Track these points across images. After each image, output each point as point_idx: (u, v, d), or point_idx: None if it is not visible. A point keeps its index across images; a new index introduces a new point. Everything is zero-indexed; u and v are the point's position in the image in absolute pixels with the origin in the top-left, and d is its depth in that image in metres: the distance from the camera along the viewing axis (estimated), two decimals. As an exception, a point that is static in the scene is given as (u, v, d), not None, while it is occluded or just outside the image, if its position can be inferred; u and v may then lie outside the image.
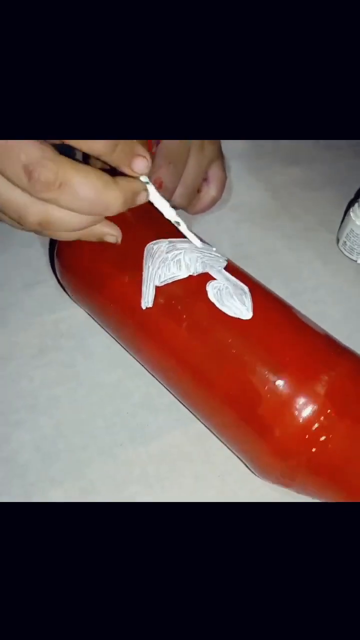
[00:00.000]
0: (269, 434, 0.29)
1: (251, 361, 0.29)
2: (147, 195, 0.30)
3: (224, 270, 0.32)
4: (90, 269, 0.35)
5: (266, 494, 0.31)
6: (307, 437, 0.28)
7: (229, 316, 0.30)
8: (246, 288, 0.31)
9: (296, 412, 0.28)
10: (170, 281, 0.31)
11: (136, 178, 0.29)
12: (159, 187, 0.38)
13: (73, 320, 0.40)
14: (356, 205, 0.44)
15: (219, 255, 0.33)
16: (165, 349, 0.33)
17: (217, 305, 0.30)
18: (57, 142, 0.27)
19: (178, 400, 0.36)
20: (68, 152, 0.27)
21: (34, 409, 0.36)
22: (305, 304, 0.42)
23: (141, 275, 0.32)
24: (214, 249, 0.33)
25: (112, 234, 0.31)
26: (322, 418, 0.28)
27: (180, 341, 0.32)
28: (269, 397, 0.28)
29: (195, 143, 0.40)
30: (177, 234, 0.33)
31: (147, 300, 0.32)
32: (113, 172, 0.28)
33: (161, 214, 0.32)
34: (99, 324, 0.39)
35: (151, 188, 0.30)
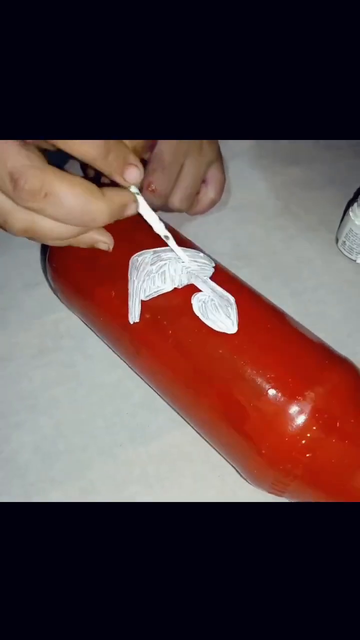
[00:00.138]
0: (255, 450, 0.29)
1: (236, 378, 0.29)
2: (137, 207, 0.30)
3: (209, 281, 0.31)
4: (80, 279, 0.35)
5: (266, 494, 0.31)
6: (293, 454, 0.28)
7: (215, 331, 0.30)
8: (232, 299, 0.31)
9: (281, 430, 0.28)
10: (155, 295, 0.31)
11: (126, 189, 0.29)
12: (152, 192, 0.38)
13: (73, 320, 0.40)
14: (355, 205, 0.43)
15: (207, 261, 0.33)
16: (154, 364, 0.33)
17: (202, 319, 0.30)
18: (51, 148, 0.27)
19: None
20: (62, 162, 0.27)
21: (34, 410, 0.37)
22: (305, 303, 0.43)
23: (128, 288, 0.32)
24: (201, 254, 0.33)
25: (103, 241, 0.31)
26: (308, 435, 0.27)
27: (167, 357, 0.31)
28: (255, 415, 0.28)
29: (193, 146, 0.40)
30: (162, 242, 0.32)
31: (134, 315, 0.32)
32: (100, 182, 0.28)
33: (150, 227, 0.31)
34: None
35: (141, 200, 0.30)
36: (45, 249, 0.44)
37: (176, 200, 0.41)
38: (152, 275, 0.31)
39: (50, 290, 0.41)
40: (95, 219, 0.27)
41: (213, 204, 0.43)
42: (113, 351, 0.38)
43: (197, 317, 0.30)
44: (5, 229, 0.28)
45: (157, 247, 0.32)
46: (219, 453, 0.34)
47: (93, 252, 0.31)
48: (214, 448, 0.34)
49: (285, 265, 0.45)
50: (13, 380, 0.38)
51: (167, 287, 0.31)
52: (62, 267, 0.36)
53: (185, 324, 0.30)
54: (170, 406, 0.35)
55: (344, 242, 0.45)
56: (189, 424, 0.35)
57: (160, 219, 0.32)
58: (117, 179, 0.28)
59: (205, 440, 0.34)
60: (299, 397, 0.28)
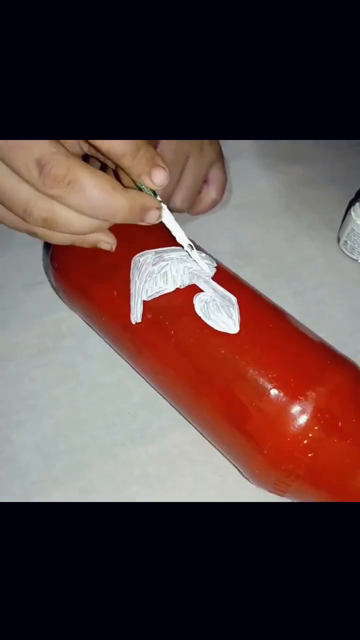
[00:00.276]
0: (257, 450, 0.29)
1: (238, 378, 0.29)
2: (160, 216, 0.30)
3: (211, 281, 0.31)
4: (82, 279, 0.35)
5: (267, 494, 0.31)
6: (295, 454, 0.28)
7: (217, 331, 0.30)
8: (234, 299, 0.31)
9: (283, 430, 0.28)
10: (157, 295, 0.31)
11: (149, 195, 0.29)
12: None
13: (73, 320, 0.40)
14: (357, 204, 0.43)
15: (208, 261, 0.33)
16: (156, 364, 0.33)
17: (204, 319, 0.30)
18: (83, 142, 0.27)
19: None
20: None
21: (35, 409, 0.36)
22: (306, 303, 0.42)
23: (130, 288, 0.32)
24: (203, 254, 0.33)
25: (106, 241, 0.31)
26: (310, 435, 0.27)
27: (169, 357, 0.31)
28: (257, 415, 0.28)
29: (194, 146, 0.40)
30: (165, 242, 0.32)
31: (136, 315, 0.32)
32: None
33: (173, 237, 0.31)
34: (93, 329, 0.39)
35: (165, 209, 0.30)
36: (46, 249, 0.44)
37: (178, 200, 0.41)
38: (154, 276, 0.31)
39: (50, 290, 0.41)
40: (116, 213, 0.27)
41: (215, 203, 0.43)
42: (114, 351, 0.38)
43: (199, 317, 0.30)
44: (24, 219, 0.28)
45: (159, 247, 0.32)
46: (220, 453, 0.34)
47: (95, 252, 0.31)
48: (215, 448, 0.34)
49: (287, 264, 0.45)
50: (13, 380, 0.38)
51: (169, 288, 0.31)
52: (64, 266, 0.36)
53: (187, 324, 0.30)
54: (172, 406, 0.35)
55: (346, 241, 0.45)
56: (190, 423, 0.34)
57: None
58: (144, 179, 0.28)
59: (207, 440, 0.34)
60: (301, 397, 0.28)
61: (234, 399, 0.29)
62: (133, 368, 0.37)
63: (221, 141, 0.43)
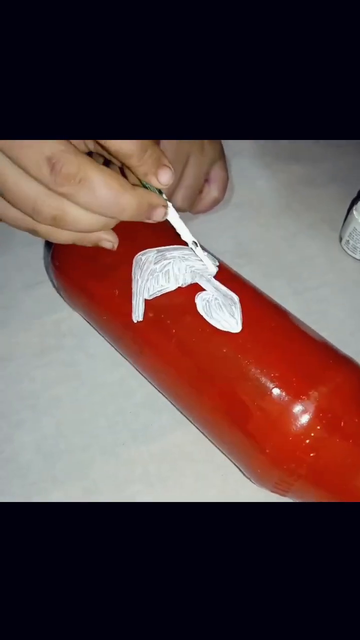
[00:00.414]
0: (259, 449, 0.28)
1: (240, 377, 0.29)
2: (166, 213, 0.30)
3: (213, 279, 0.31)
4: (83, 278, 0.35)
5: (268, 494, 0.31)
6: (297, 453, 0.28)
7: (219, 330, 0.30)
8: (236, 298, 0.31)
9: (285, 429, 0.28)
10: (159, 294, 0.31)
11: (156, 193, 0.29)
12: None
13: (74, 319, 0.40)
14: (359, 203, 0.43)
15: (210, 259, 0.33)
16: (157, 363, 0.33)
17: (206, 318, 0.30)
18: (84, 149, 0.27)
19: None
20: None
21: (36, 409, 0.36)
22: (308, 302, 0.42)
23: (131, 286, 0.32)
24: (205, 253, 0.33)
25: (108, 239, 0.31)
26: (312, 434, 0.27)
27: (170, 356, 0.31)
28: (259, 414, 0.28)
29: (195, 145, 0.40)
30: (166, 241, 0.32)
31: (138, 314, 0.32)
32: None
33: (178, 235, 0.31)
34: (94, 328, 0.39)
35: (171, 207, 0.30)
36: (47, 248, 0.44)
37: (179, 199, 0.41)
38: (155, 274, 0.31)
39: (51, 289, 0.41)
40: (124, 211, 0.28)
41: (216, 202, 0.43)
42: (115, 350, 0.38)
43: (201, 316, 0.30)
44: (32, 217, 0.28)
45: (160, 246, 0.32)
46: (222, 452, 0.34)
47: (96, 250, 0.31)
48: (217, 447, 0.34)
49: (288, 263, 0.45)
50: (14, 380, 0.38)
51: (171, 286, 0.31)
52: (65, 265, 0.36)
53: (189, 323, 0.30)
54: (173, 405, 0.35)
55: (348, 240, 0.45)
56: (192, 423, 0.34)
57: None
58: (151, 179, 0.29)
59: (209, 439, 0.34)
60: (303, 397, 0.27)
61: (235, 398, 0.29)
62: (134, 367, 0.37)
63: (222, 140, 0.43)
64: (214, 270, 0.32)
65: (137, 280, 0.32)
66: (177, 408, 0.35)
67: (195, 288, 0.31)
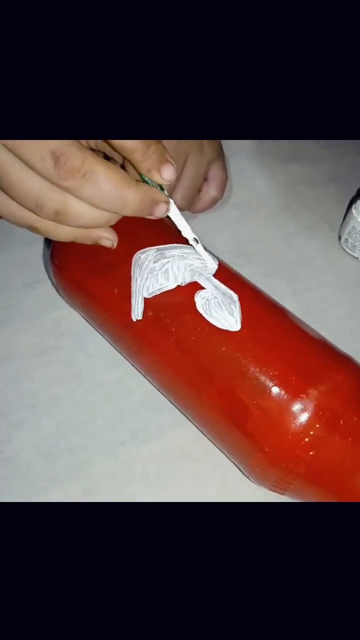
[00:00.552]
0: (258, 448, 0.28)
1: (239, 376, 0.29)
2: (167, 209, 0.30)
3: (213, 278, 0.31)
4: (83, 276, 0.35)
5: (268, 493, 0.31)
6: (296, 452, 0.28)
7: (218, 328, 0.30)
8: (235, 296, 0.31)
9: (284, 428, 0.27)
10: (158, 292, 0.31)
11: (157, 189, 0.29)
12: None
13: (73, 319, 0.40)
14: (358, 202, 0.43)
15: (211, 257, 0.33)
16: (156, 361, 0.33)
17: (206, 317, 0.30)
18: (85, 145, 0.27)
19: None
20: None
21: (35, 409, 0.36)
22: (307, 302, 0.42)
23: (131, 285, 0.32)
24: (206, 253, 0.33)
25: (108, 237, 0.31)
26: (311, 433, 0.27)
27: (169, 354, 0.31)
28: (258, 413, 0.28)
29: (194, 145, 0.40)
30: (166, 240, 0.32)
31: (137, 312, 0.32)
32: None
33: (178, 231, 0.31)
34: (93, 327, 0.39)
35: (172, 203, 0.30)
36: (47, 247, 0.44)
37: (177, 198, 0.41)
38: (155, 273, 0.31)
39: (50, 288, 0.41)
40: (127, 205, 0.28)
41: (215, 201, 0.43)
42: (115, 349, 0.38)
43: (200, 314, 0.30)
44: (35, 212, 0.28)
45: (160, 244, 0.32)
46: (221, 451, 0.34)
47: (96, 249, 0.31)
48: (216, 446, 0.34)
49: (287, 263, 0.45)
50: (13, 380, 0.38)
51: (170, 285, 0.31)
52: (64, 263, 0.36)
53: (188, 322, 0.30)
54: (173, 404, 0.35)
55: (347, 239, 0.45)
56: (191, 422, 0.34)
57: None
58: (154, 175, 0.29)
59: (208, 438, 0.34)
60: (302, 395, 0.27)
61: (234, 397, 0.29)
62: (133, 366, 0.37)
63: (221, 140, 0.43)
64: (214, 266, 0.32)
65: (137, 278, 0.32)
66: (176, 407, 0.35)
67: (195, 287, 0.31)
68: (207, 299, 0.30)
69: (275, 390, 0.28)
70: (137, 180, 0.28)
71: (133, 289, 0.32)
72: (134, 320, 0.32)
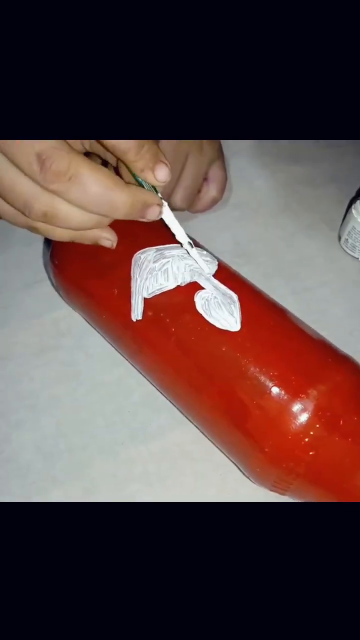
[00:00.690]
0: (258, 448, 0.28)
1: (239, 376, 0.29)
2: (160, 212, 0.30)
3: (212, 278, 0.31)
4: (82, 277, 0.35)
5: (267, 493, 0.31)
6: (296, 452, 0.28)
7: (218, 328, 0.29)
8: (235, 297, 0.30)
9: (284, 428, 0.27)
10: (158, 292, 0.31)
11: (151, 192, 0.29)
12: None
13: (73, 319, 0.40)
14: (358, 202, 0.43)
15: (210, 258, 0.33)
16: (156, 361, 0.33)
17: (205, 317, 0.30)
18: (87, 140, 0.27)
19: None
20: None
21: (35, 409, 0.36)
22: (307, 302, 0.42)
23: (131, 285, 0.32)
24: (204, 251, 0.33)
25: (107, 238, 0.31)
26: (311, 433, 0.27)
27: (169, 354, 0.31)
28: (258, 413, 0.28)
29: (194, 145, 0.40)
30: (166, 240, 0.32)
31: (137, 312, 0.32)
32: None
33: (173, 235, 0.31)
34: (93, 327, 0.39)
35: (166, 206, 0.30)
36: (47, 247, 0.44)
37: (177, 199, 0.41)
38: (154, 273, 0.31)
39: (50, 288, 0.41)
40: (116, 209, 0.27)
41: (215, 202, 0.43)
42: (114, 349, 0.38)
43: (200, 314, 0.30)
44: (24, 213, 0.28)
45: (159, 244, 0.32)
46: (221, 451, 0.34)
47: (95, 249, 0.31)
48: (216, 446, 0.34)
49: (287, 263, 0.45)
50: (13, 380, 0.38)
51: (170, 285, 0.31)
52: (64, 264, 0.36)
53: (188, 322, 0.30)
54: (172, 404, 0.35)
55: (347, 239, 0.45)
56: (191, 422, 0.34)
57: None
58: (148, 175, 0.28)
59: (208, 438, 0.34)
60: (302, 395, 0.27)
61: (234, 397, 0.29)
62: (133, 366, 0.37)
63: (221, 140, 0.43)
64: (210, 270, 0.32)
65: (136, 279, 0.32)
66: (176, 407, 0.35)
67: (195, 287, 0.31)
68: (206, 299, 0.30)
69: (275, 390, 0.28)
70: (128, 183, 0.28)
71: (133, 289, 0.32)
72: (134, 320, 0.32)
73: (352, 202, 0.46)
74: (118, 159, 0.29)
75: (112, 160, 0.31)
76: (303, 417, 0.27)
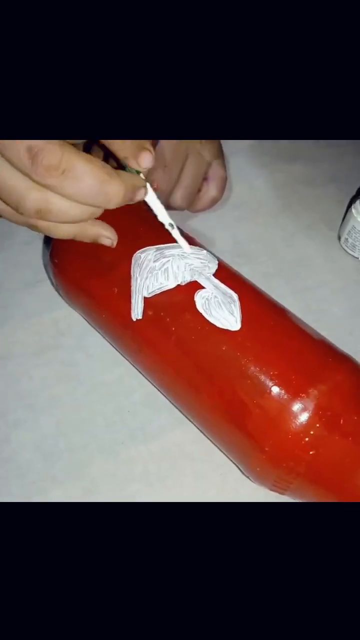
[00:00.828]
0: (258, 447, 0.28)
1: (239, 375, 0.29)
2: (145, 192, 0.30)
3: (212, 277, 0.31)
4: (82, 276, 0.35)
5: (268, 493, 0.31)
6: (296, 451, 0.27)
7: (218, 328, 0.29)
8: (235, 296, 0.30)
9: (285, 427, 0.27)
10: (158, 292, 0.31)
11: (136, 175, 0.29)
12: (154, 191, 0.38)
13: (73, 318, 0.40)
14: (358, 202, 0.43)
15: (210, 257, 0.32)
16: (156, 361, 0.33)
17: (205, 316, 0.30)
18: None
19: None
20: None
21: (34, 408, 0.36)
22: (306, 301, 0.42)
23: (131, 285, 0.32)
24: (205, 251, 0.33)
25: (107, 236, 0.30)
26: (311, 432, 0.27)
27: (169, 354, 0.31)
28: (258, 412, 0.28)
29: (194, 144, 0.40)
30: (166, 239, 0.32)
31: (137, 312, 0.31)
32: None
33: (155, 216, 0.31)
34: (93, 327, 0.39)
35: (149, 188, 0.30)
36: (47, 247, 0.44)
37: (177, 198, 0.41)
38: (155, 272, 0.31)
39: (49, 288, 0.41)
40: (111, 199, 0.27)
41: (215, 201, 0.43)
42: (114, 348, 0.38)
43: (200, 314, 0.30)
44: (18, 211, 0.28)
45: (160, 244, 0.32)
46: (221, 451, 0.34)
47: (95, 248, 0.31)
48: (216, 446, 0.34)
49: (287, 263, 0.45)
50: (13, 379, 0.37)
51: (170, 284, 0.31)
52: (64, 263, 0.36)
53: (188, 321, 0.30)
54: (172, 404, 0.35)
55: (347, 239, 0.45)
56: (191, 421, 0.34)
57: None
58: (132, 162, 0.28)
59: (208, 438, 0.34)
60: (303, 395, 0.27)
61: (234, 397, 0.29)
62: (133, 366, 0.37)
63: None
64: (189, 251, 0.32)
65: (136, 278, 0.31)
66: (176, 407, 0.35)
67: (195, 286, 0.31)
68: (207, 299, 0.30)
69: (275, 389, 0.28)
70: (117, 169, 0.28)
71: (133, 288, 0.32)
72: (134, 319, 0.32)
73: (352, 201, 0.46)
74: (103, 148, 0.29)
75: (97, 151, 0.31)
76: (303, 417, 0.27)
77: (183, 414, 0.35)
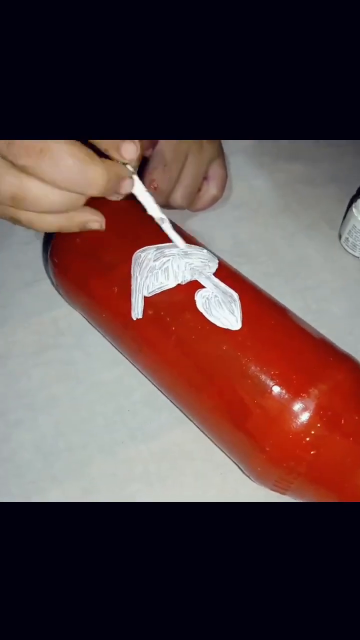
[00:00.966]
0: (259, 447, 0.28)
1: (239, 375, 0.29)
2: (132, 184, 0.29)
3: (213, 277, 0.31)
4: (82, 275, 0.35)
5: (268, 493, 0.31)
6: (297, 451, 0.27)
7: (218, 327, 0.29)
8: (236, 295, 0.30)
9: (285, 427, 0.27)
10: (158, 291, 0.31)
11: (122, 165, 0.28)
12: (154, 190, 0.38)
13: (72, 318, 0.40)
14: (358, 201, 0.43)
15: (210, 256, 0.32)
16: (156, 360, 0.33)
17: (206, 315, 0.30)
18: None
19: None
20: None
21: (33, 408, 0.36)
22: (307, 301, 0.42)
23: (131, 284, 0.32)
24: (205, 250, 0.33)
25: (94, 219, 0.29)
26: (312, 432, 0.27)
27: (170, 353, 0.31)
28: (259, 412, 0.28)
29: (194, 144, 0.40)
30: (166, 238, 0.32)
31: (137, 311, 0.31)
32: None
33: (144, 210, 0.31)
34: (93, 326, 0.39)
35: (137, 180, 0.29)
36: (46, 246, 0.44)
37: (178, 197, 0.41)
38: (155, 272, 0.31)
39: (49, 287, 0.41)
40: (92, 184, 0.26)
41: (215, 200, 0.43)
42: (114, 348, 0.38)
43: (201, 313, 0.30)
44: None
45: (160, 243, 0.32)
46: (221, 451, 0.33)
47: (95, 248, 0.31)
48: (216, 446, 0.34)
49: (287, 262, 0.45)
50: (12, 379, 0.37)
51: (171, 284, 0.31)
52: (64, 262, 0.36)
53: (189, 320, 0.30)
54: (173, 403, 0.35)
55: (347, 238, 0.45)
56: (191, 421, 0.34)
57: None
58: (113, 153, 0.27)
59: (208, 437, 0.34)
60: (303, 394, 0.27)
61: (235, 396, 0.29)
62: (133, 365, 0.36)
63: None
64: (182, 246, 0.31)
65: (137, 277, 0.31)
66: (176, 406, 0.35)
67: (195, 285, 0.31)
68: (207, 298, 0.30)
69: (276, 389, 0.28)
70: (101, 158, 0.27)
71: (133, 287, 0.32)
72: (134, 319, 0.32)
73: (353, 201, 0.46)
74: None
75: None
76: (304, 416, 0.27)
77: (183, 414, 0.35)
